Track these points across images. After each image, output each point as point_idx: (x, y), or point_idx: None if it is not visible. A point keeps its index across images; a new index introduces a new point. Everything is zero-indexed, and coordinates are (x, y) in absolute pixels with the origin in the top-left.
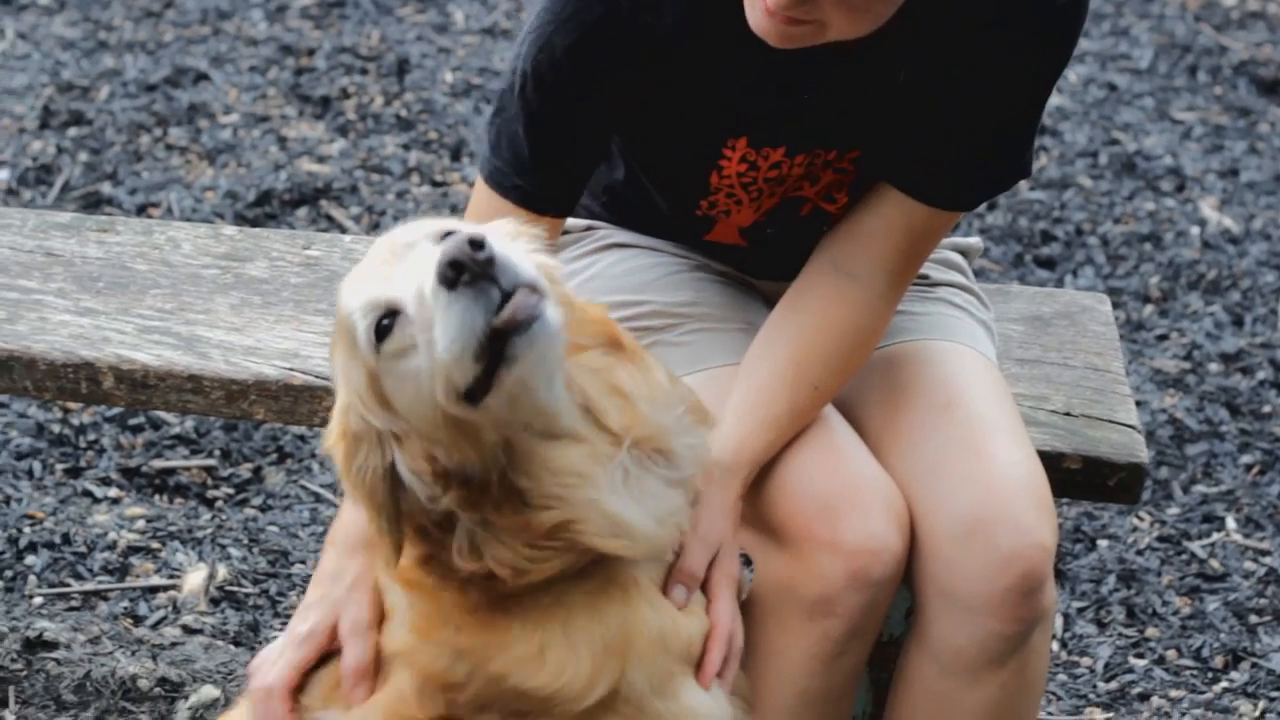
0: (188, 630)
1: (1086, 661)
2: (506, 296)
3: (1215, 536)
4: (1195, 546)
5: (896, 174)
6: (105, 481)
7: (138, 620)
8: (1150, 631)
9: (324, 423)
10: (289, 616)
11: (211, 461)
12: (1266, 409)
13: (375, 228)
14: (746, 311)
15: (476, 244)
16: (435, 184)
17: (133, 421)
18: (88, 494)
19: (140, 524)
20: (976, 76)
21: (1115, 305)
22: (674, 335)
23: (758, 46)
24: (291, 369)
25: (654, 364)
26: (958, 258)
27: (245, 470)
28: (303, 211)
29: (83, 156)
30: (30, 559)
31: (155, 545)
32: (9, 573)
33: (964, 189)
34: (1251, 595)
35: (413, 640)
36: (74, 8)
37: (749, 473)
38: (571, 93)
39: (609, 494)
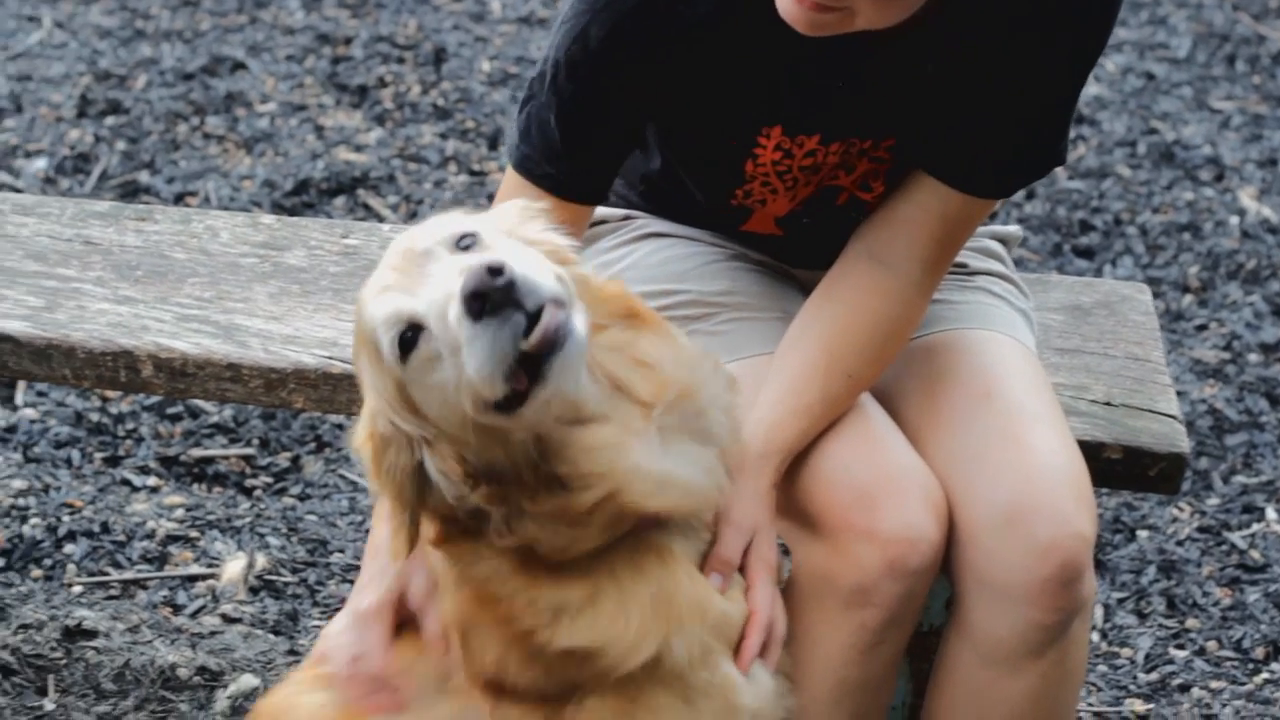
0: (227, 619)
1: (1126, 652)
2: (532, 315)
3: (1255, 527)
4: (1235, 537)
5: (931, 161)
6: (144, 470)
7: (177, 609)
8: (1190, 622)
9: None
10: (328, 605)
11: (250, 450)
12: None
13: (413, 216)
14: (783, 300)
15: (496, 270)
16: (472, 173)
17: (171, 410)
18: (126, 483)
19: (179, 513)
20: (1011, 63)
21: (1154, 295)
22: (710, 324)
23: (790, 34)
24: (330, 357)
25: (674, 329)
26: (997, 246)
27: (284, 459)
28: (340, 200)
29: (120, 145)
30: (69, 548)
31: (194, 534)
32: (48, 561)
33: (999, 176)
34: None
35: (466, 603)
36: None
37: (781, 460)
38: (604, 82)
39: (649, 457)
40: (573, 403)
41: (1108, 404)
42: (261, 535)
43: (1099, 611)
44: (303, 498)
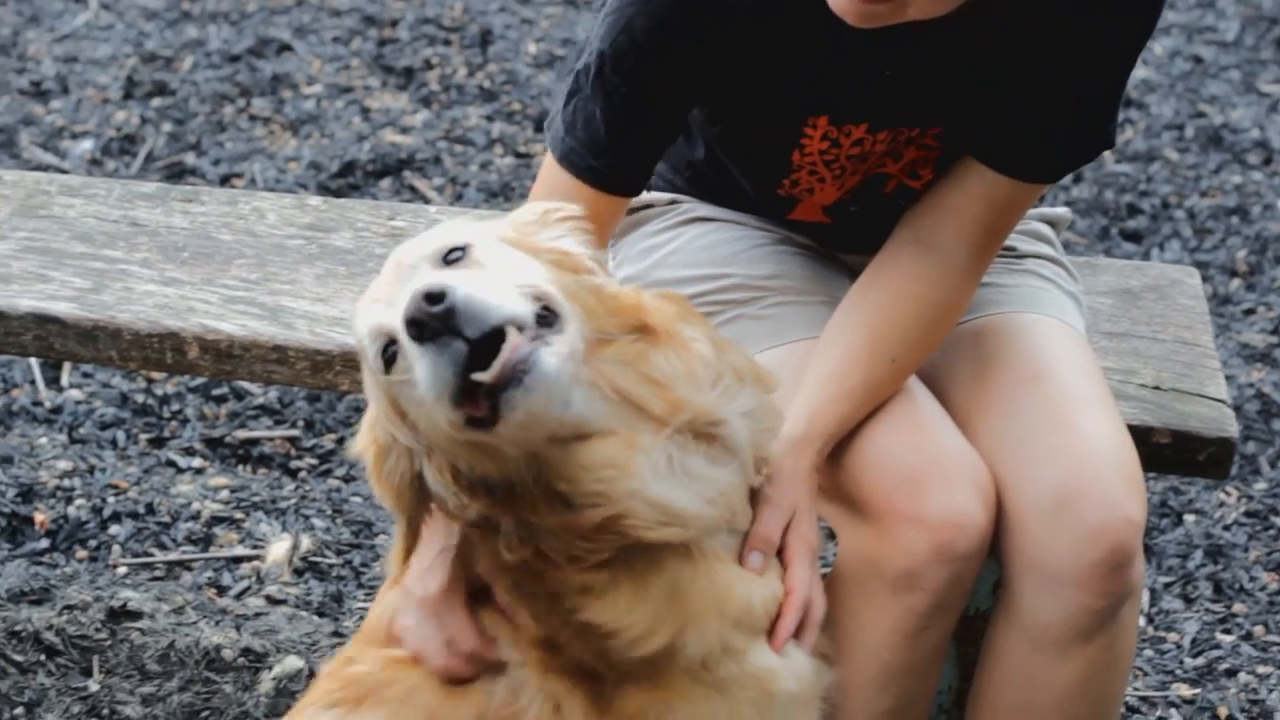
0: (271, 601)
1: (1173, 637)
2: (482, 341)
3: None
4: None
5: (979, 146)
6: (189, 452)
7: (221, 590)
8: (1237, 607)
9: None
10: (373, 587)
11: (295, 432)
12: None
13: (458, 199)
14: (829, 285)
15: (434, 298)
16: (518, 155)
17: (216, 392)
18: (171, 464)
19: (224, 494)
20: (1059, 49)
21: (1202, 279)
22: (756, 309)
23: (837, 24)
24: None
25: (692, 338)
26: (1045, 229)
27: (329, 441)
28: (386, 182)
29: (166, 127)
30: (114, 529)
31: (239, 515)
32: (93, 542)
33: (1047, 161)
34: None
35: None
36: None
37: (823, 444)
38: (651, 74)
39: (652, 481)
40: (566, 423)
41: (1156, 388)
42: (306, 517)
43: (1145, 596)
44: (348, 479)
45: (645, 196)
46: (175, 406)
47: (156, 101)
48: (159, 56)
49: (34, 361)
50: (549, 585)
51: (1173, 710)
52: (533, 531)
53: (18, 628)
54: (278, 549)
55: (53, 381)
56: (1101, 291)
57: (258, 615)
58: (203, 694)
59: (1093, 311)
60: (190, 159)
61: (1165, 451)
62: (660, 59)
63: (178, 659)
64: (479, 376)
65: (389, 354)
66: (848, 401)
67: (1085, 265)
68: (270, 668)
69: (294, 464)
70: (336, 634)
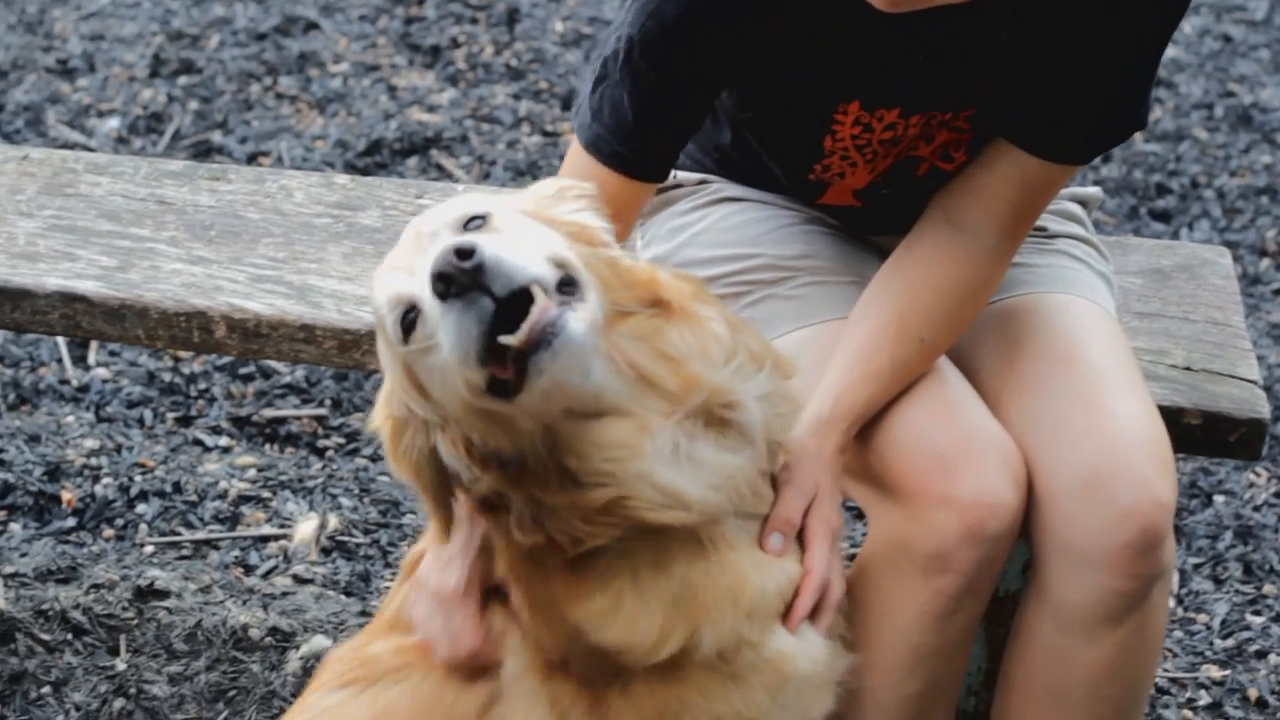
0: (299, 580)
1: (1203, 618)
2: (509, 300)
3: None
4: None
5: (1010, 128)
6: (216, 430)
7: (248, 569)
8: (1267, 588)
9: None
10: (400, 567)
11: (322, 411)
12: None
13: (486, 178)
14: (859, 264)
15: (464, 253)
16: (545, 134)
17: (243, 370)
18: (198, 443)
19: (251, 473)
20: (1091, 29)
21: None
22: (785, 289)
23: (867, 9)
24: None
25: (707, 316)
26: (1076, 208)
27: (356, 420)
28: (413, 161)
29: (193, 105)
30: (141, 507)
31: (266, 494)
32: (120, 521)
33: (1079, 141)
34: None
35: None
36: None
37: (849, 425)
38: (680, 61)
39: (659, 465)
40: (585, 394)
41: (1187, 369)
42: (333, 496)
43: (1175, 577)
44: (375, 459)
45: (674, 176)
46: (202, 385)
47: (183, 80)
48: (185, 34)
49: (61, 340)
50: (554, 593)
51: (1202, 692)
52: (540, 510)
53: (45, 606)
54: (305, 528)
55: (79, 360)
56: (1132, 271)
57: (285, 594)
58: (230, 673)
59: (1123, 291)
60: (217, 137)
61: (1196, 432)
62: (689, 45)
63: (205, 638)
64: (507, 339)
65: (408, 321)
66: (874, 382)
67: (1116, 245)
68: (297, 647)
69: (321, 443)
70: (364, 613)
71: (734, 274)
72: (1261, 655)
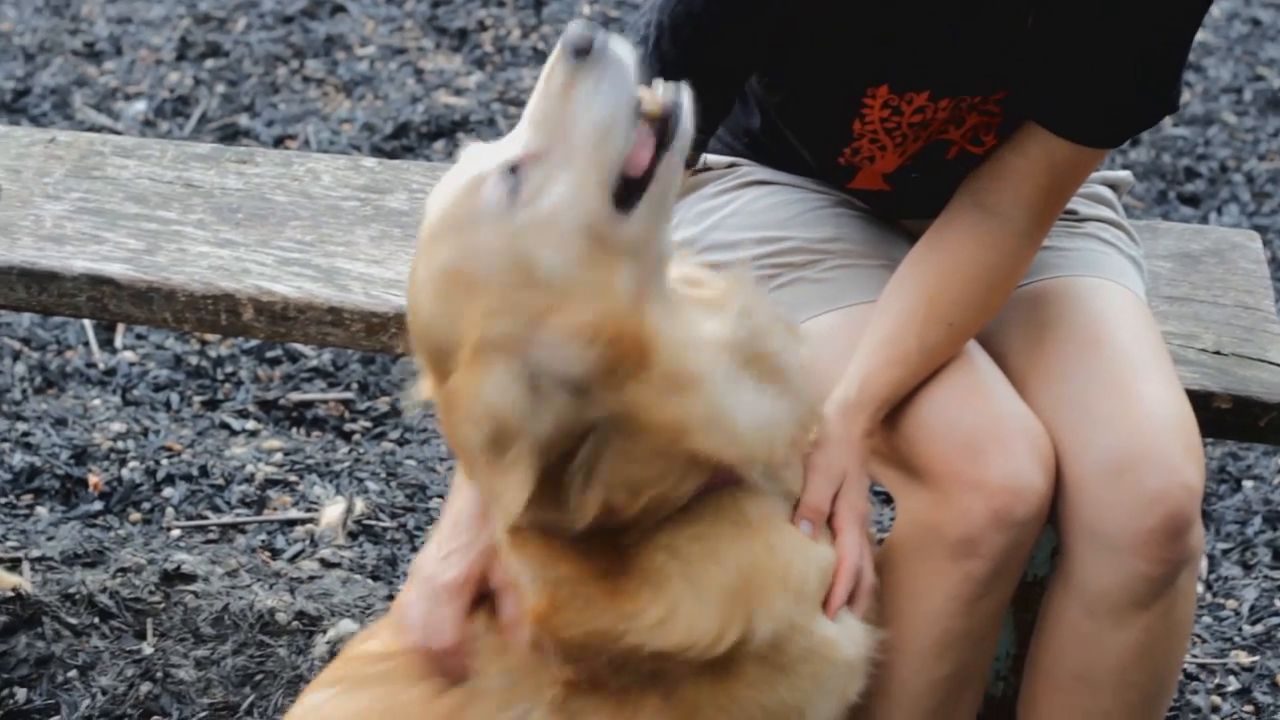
0: (325, 564)
1: (1231, 604)
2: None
3: None
4: None
5: (1041, 111)
6: (243, 414)
7: (275, 553)
8: None
9: None
10: None
11: (349, 395)
12: None
13: None
14: (889, 248)
15: (587, 44)
16: None
17: (270, 354)
18: (225, 426)
19: (278, 457)
20: (1122, 11)
21: None
22: (815, 271)
23: None
24: None
25: (739, 282)
26: (1107, 192)
27: (383, 404)
28: (440, 144)
29: (220, 88)
30: (168, 491)
31: (293, 478)
32: (147, 505)
33: (1109, 124)
34: None
35: (545, 609)
36: None
37: (876, 409)
38: (708, 45)
39: (723, 387)
40: (663, 253)
41: (1217, 353)
42: (360, 480)
43: (1203, 562)
44: (402, 442)
45: (703, 160)
46: (229, 369)
47: (210, 63)
48: (212, 18)
49: (88, 323)
50: (596, 616)
51: (1231, 678)
52: (601, 472)
53: (71, 590)
54: (332, 512)
55: (106, 343)
56: (1161, 255)
57: (312, 579)
58: (256, 657)
59: (1153, 275)
60: (244, 120)
61: (1226, 417)
62: (717, 29)
63: (231, 622)
64: (649, 106)
65: (511, 185)
66: (902, 366)
67: (1145, 229)
68: (324, 631)
69: (348, 427)
70: (390, 597)
71: (764, 257)
72: None
